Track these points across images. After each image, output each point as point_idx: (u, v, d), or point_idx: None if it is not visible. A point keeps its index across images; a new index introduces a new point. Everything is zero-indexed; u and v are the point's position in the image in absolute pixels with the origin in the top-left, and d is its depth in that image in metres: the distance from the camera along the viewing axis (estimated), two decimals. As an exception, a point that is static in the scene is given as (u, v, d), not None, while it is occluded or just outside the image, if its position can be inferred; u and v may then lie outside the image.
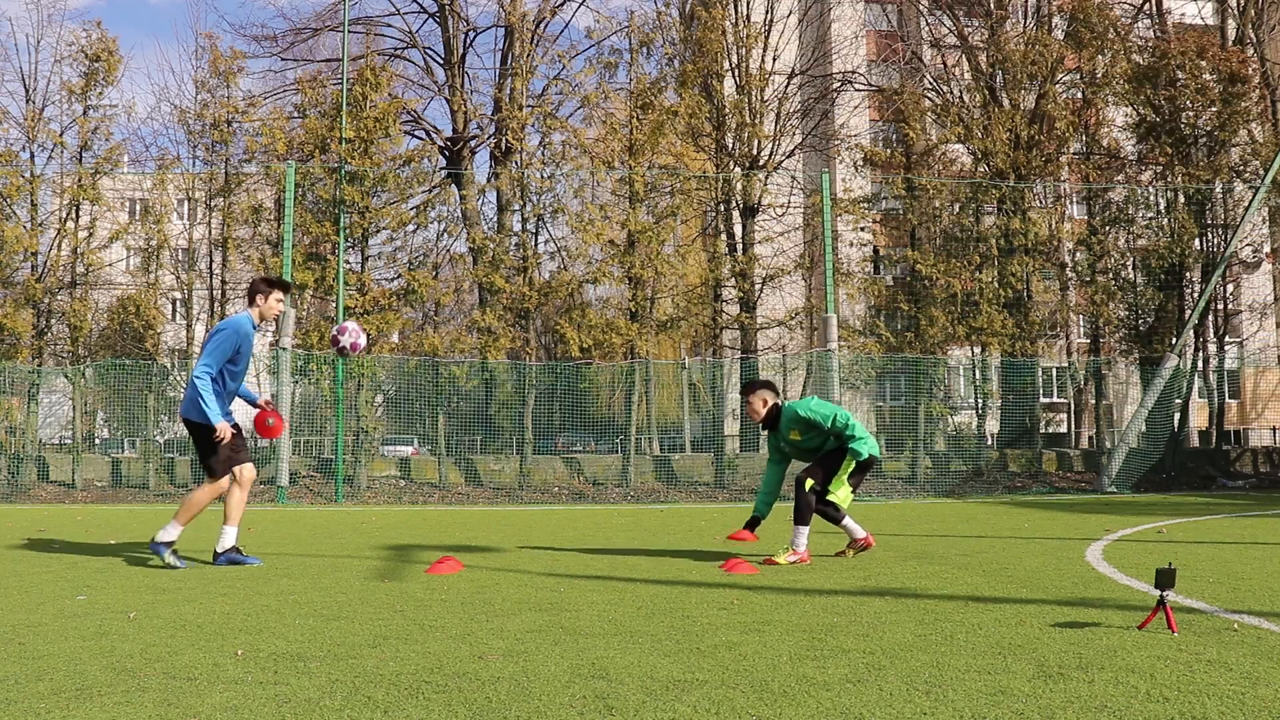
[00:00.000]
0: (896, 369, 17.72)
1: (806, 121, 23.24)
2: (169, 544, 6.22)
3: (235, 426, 6.35)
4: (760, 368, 19.67)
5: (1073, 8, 19.27)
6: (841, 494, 6.33)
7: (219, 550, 6.36)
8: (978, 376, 18.35)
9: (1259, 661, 3.31)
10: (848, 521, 6.52)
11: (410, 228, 18.20)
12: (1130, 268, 18.80)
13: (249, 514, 12.16)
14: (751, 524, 6.51)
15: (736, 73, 19.74)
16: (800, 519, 6.29)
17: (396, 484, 16.70)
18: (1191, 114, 18.32)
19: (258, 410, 6.62)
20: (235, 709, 2.84)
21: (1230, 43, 20.46)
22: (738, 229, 19.60)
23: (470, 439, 18.01)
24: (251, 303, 6.42)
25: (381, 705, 2.86)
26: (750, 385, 6.64)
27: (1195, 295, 17.69)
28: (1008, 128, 18.30)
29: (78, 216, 17.55)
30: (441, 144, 22.52)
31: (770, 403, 6.51)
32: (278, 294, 6.43)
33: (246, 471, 6.34)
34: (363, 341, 6.71)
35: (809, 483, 6.33)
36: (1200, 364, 18.84)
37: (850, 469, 6.33)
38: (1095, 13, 18.83)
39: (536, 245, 18.00)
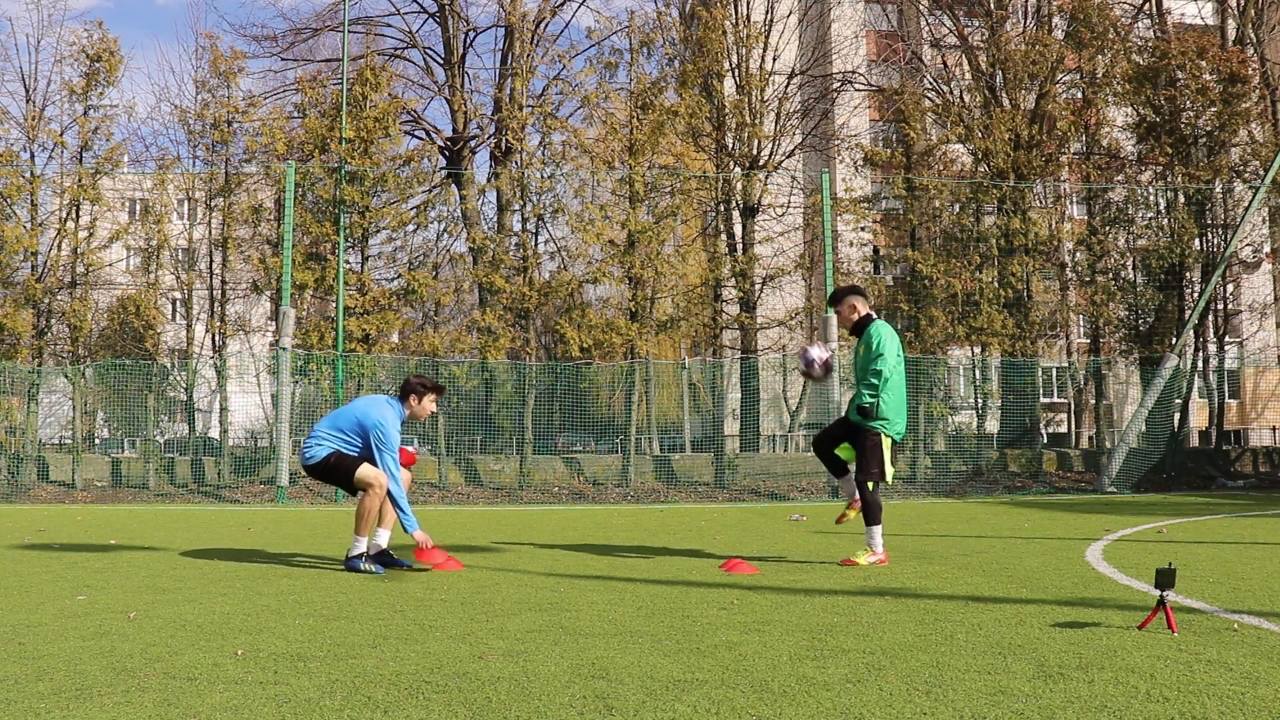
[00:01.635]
0: (896, 369, 17.71)
1: (806, 121, 23.25)
2: (361, 555, 6.15)
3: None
4: (760, 368, 19.67)
5: (1073, 8, 19.27)
6: (890, 474, 6.31)
7: (349, 554, 6.25)
8: (978, 376, 18.35)
9: (1259, 661, 3.31)
10: (849, 487, 6.43)
11: (410, 228, 18.21)
12: (1130, 268, 18.79)
13: (249, 514, 12.17)
14: (864, 413, 6.28)
15: (736, 73, 19.74)
16: (872, 519, 6.21)
17: (396, 484, 16.68)
18: (1191, 114, 18.32)
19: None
20: (235, 709, 2.84)
21: (1230, 43, 20.45)
22: (738, 229, 19.60)
23: (470, 439, 18.01)
24: (404, 399, 6.39)
25: (381, 705, 2.86)
26: (838, 294, 6.51)
27: (1195, 295, 17.69)
28: (1008, 128, 18.30)
29: (78, 216, 17.55)
30: (441, 144, 22.52)
31: (860, 310, 6.39)
32: (432, 396, 6.46)
33: (374, 477, 6.24)
34: (816, 359, 6.57)
35: (870, 484, 6.23)
36: (1200, 364, 18.84)
37: (889, 450, 6.25)
38: (1095, 13, 18.82)
39: (536, 245, 18.00)
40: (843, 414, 6.57)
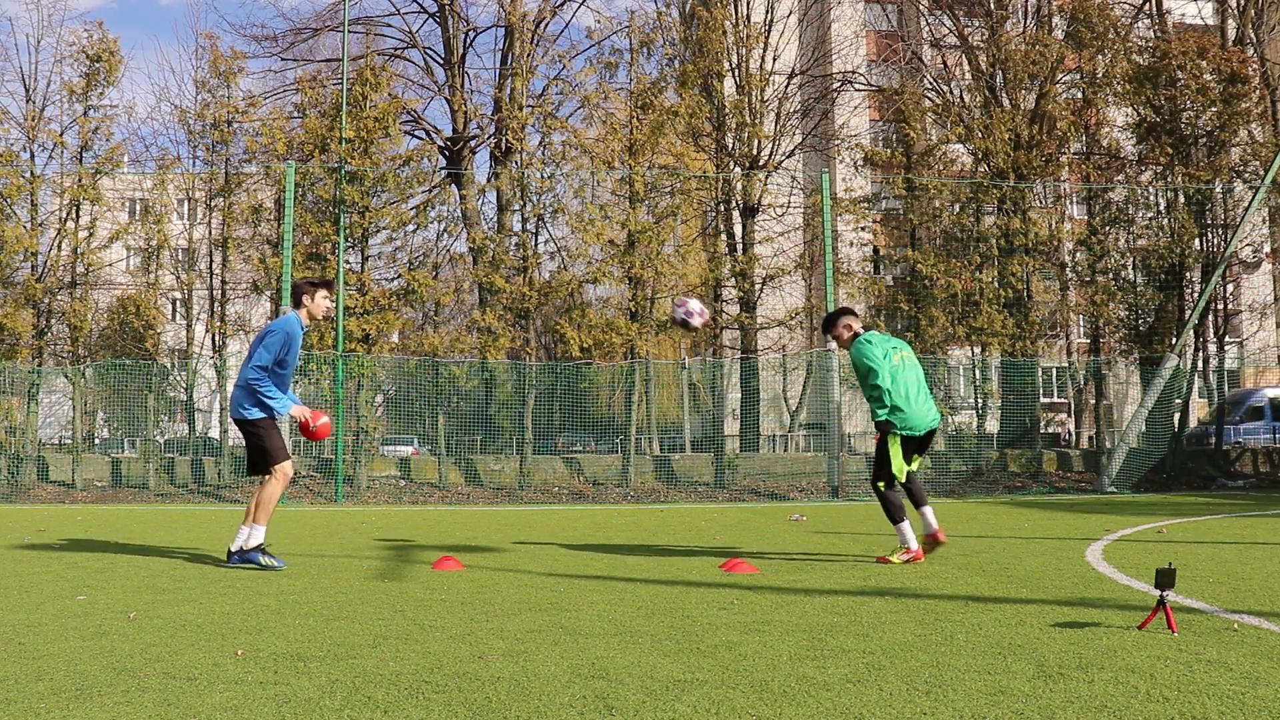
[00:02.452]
0: (896, 369, 17.71)
1: (806, 121, 23.25)
2: (259, 548, 6.23)
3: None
4: (760, 368, 19.67)
5: (1073, 8, 19.27)
6: (896, 468, 6.26)
7: (237, 549, 6.33)
8: (978, 376, 18.35)
9: (1259, 661, 3.31)
10: (906, 526, 6.31)
11: (410, 228, 18.21)
12: (1130, 268, 18.79)
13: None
14: (883, 428, 6.37)
15: (736, 73, 19.74)
16: (895, 518, 6.27)
17: (396, 484, 16.70)
18: (1191, 114, 18.32)
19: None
20: (235, 709, 2.84)
21: (1230, 43, 20.45)
22: (738, 229, 19.60)
23: (470, 439, 18.01)
24: (298, 304, 6.46)
25: (381, 705, 2.86)
26: (831, 319, 6.66)
27: (1195, 295, 17.69)
28: (1008, 128, 18.30)
29: (78, 216, 17.55)
30: (441, 144, 22.52)
31: (854, 329, 6.54)
32: (324, 292, 6.50)
33: (286, 468, 6.43)
34: (696, 310, 6.86)
35: (880, 485, 6.31)
36: (1200, 364, 18.84)
37: (898, 448, 6.25)
38: (1095, 13, 18.82)
39: (536, 245, 18.00)
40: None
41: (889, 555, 6.24)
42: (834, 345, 15.57)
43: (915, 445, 6.34)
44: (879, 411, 6.24)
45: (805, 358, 21.32)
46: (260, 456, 6.37)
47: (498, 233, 19.11)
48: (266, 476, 6.38)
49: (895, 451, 6.27)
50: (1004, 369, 17.88)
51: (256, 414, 6.34)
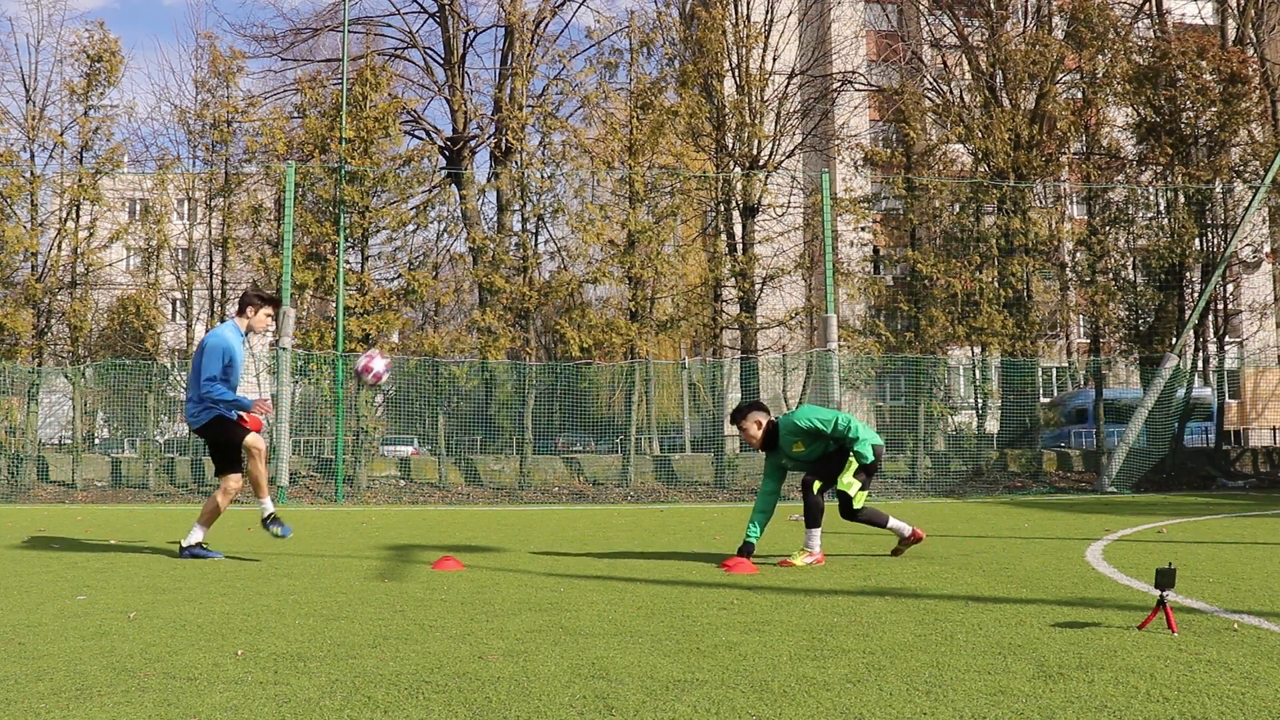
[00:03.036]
0: (896, 369, 17.73)
1: (806, 121, 23.24)
2: (270, 515, 6.49)
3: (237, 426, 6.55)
4: (760, 368, 19.67)
5: (1073, 8, 19.27)
6: (854, 492, 6.21)
7: (264, 517, 6.65)
8: (978, 376, 18.35)
9: (1259, 661, 3.31)
10: (894, 523, 6.41)
11: (410, 228, 18.21)
12: (1130, 268, 18.79)
13: (249, 514, 12.16)
14: (746, 551, 6.22)
15: (736, 73, 19.74)
16: (812, 521, 6.22)
17: (396, 484, 16.70)
18: (1191, 114, 18.32)
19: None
20: (235, 709, 2.84)
21: (1230, 43, 20.45)
22: (738, 229, 19.59)
23: (470, 439, 18.01)
24: (241, 313, 6.50)
25: (381, 705, 2.86)
26: (740, 411, 6.42)
27: (1195, 295, 17.69)
28: (1008, 128, 18.30)
29: (78, 216, 17.55)
30: (441, 144, 22.52)
31: (764, 423, 6.35)
32: (267, 310, 6.57)
33: (255, 444, 6.54)
34: (378, 366, 6.75)
35: (816, 484, 6.23)
36: (1200, 364, 18.84)
37: (854, 468, 6.24)
38: (1095, 13, 18.82)
39: (536, 245, 18.00)
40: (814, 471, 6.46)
41: (791, 557, 6.19)
42: (833, 345, 15.60)
43: (869, 472, 6.34)
44: (865, 449, 6.16)
45: (805, 358, 21.31)
46: (232, 453, 6.51)
47: (498, 233, 19.11)
48: (248, 459, 6.53)
49: (849, 471, 6.20)
50: (1004, 369, 17.88)
51: (206, 418, 6.46)
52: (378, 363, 6.73)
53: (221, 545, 7.76)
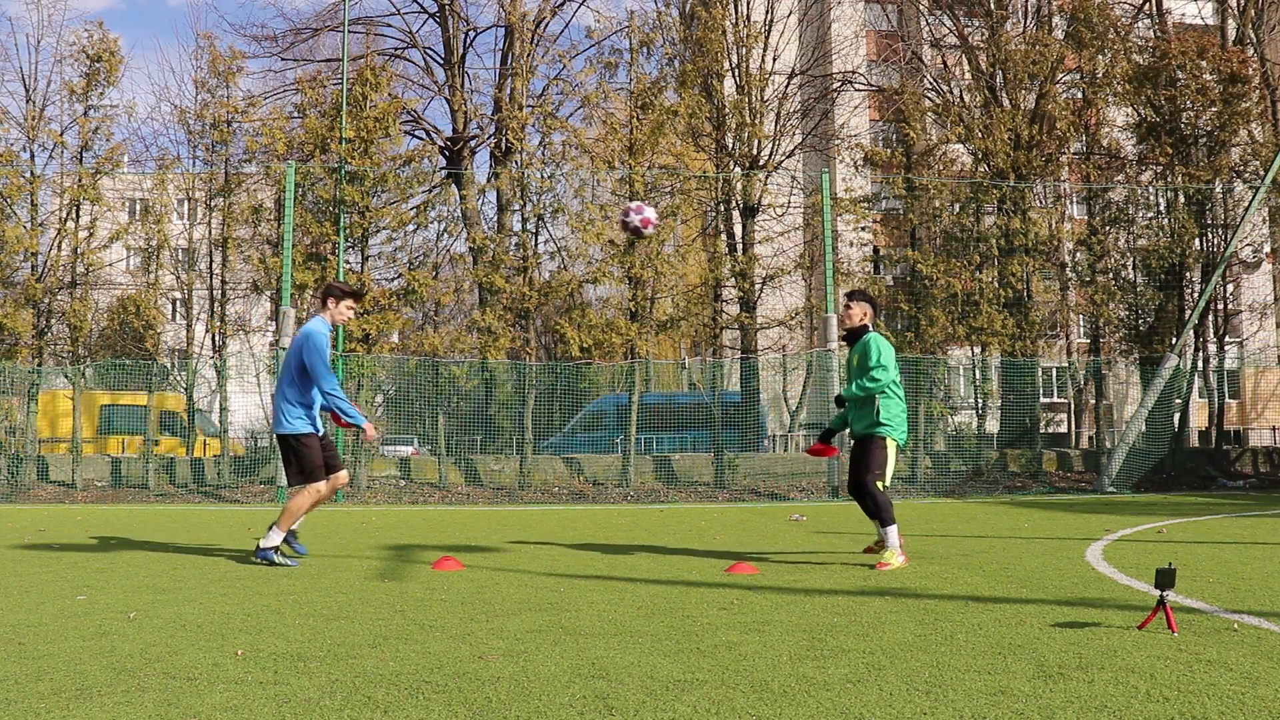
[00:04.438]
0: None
1: (806, 121, 23.24)
2: (274, 548, 6.31)
3: (322, 435, 6.55)
4: (760, 368, 19.66)
5: (1073, 8, 19.26)
6: (892, 471, 6.33)
7: (260, 545, 6.47)
8: (978, 376, 18.34)
9: (1259, 661, 3.31)
10: (894, 534, 6.26)
11: (410, 228, 18.20)
12: (1130, 268, 18.79)
13: (250, 514, 12.17)
14: (827, 436, 6.65)
15: (736, 73, 19.73)
16: (888, 519, 6.16)
17: (396, 484, 16.70)
18: (1191, 114, 18.32)
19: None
20: (235, 709, 2.84)
21: (1230, 43, 20.45)
22: (738, 229, 19.59)
23: (470, 439, 18.01)
24: (324, 306, 6.46)
25: (381, 705, 2.86)
26: (856, 292, 6.49)
27: (1195, 295, 17.69)
28: (1008, 128, 18.29)
29: (78, 216, 17.55)
30: (441, 144, 22.51)
31: (865, 318, 6.41)
32: (349, 302, 6.50)
33: (342, 477, 6.55)
34: (651, 215, 6.64)
35: (879, 484, 6.16)
36: (1200, 364, 18.84)
37: (895, 454, 6.26)
38: (1095, 13, 18.82)
39: (536, 245, 18.00)
40: (850, 438, 6.53)
41: (885, 559, 6.06)
42: (834, 345, 15.59)
43: (897, 455, 6.39)
44: (855, 389, 6.19)
45: (805, 358, 21.32)
46: (300, 468, 6.40)
47: (498, 233, 19.11)
48: (300, 489, 6.46)
49: (893, 456, 6.25)
50: (1004, 369, 17.88)
51: (301, 428, 6.36)
52: (649, 211, 6.62)
53: (221, 545, 7.75)
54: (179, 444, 18.62)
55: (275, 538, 6.34)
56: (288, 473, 6.54)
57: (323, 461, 6.43)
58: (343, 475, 6.57)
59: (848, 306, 6.47)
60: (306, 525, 10.18)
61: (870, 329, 6.41)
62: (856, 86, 24.76)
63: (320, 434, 6.51)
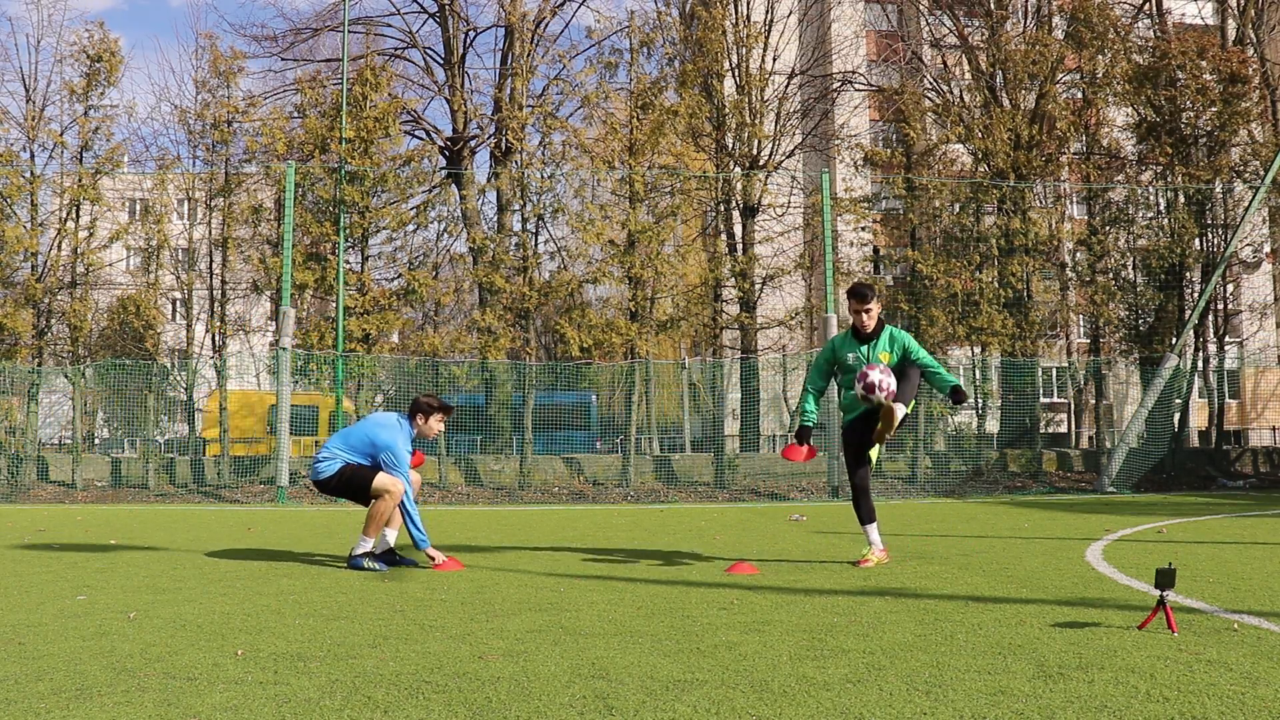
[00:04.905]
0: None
1: (806, 121, 23.24)
2: (367, 554, 6.26)
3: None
4: (760, 368, 19.66)
5: (1073, 8, 19.27)
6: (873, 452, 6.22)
7: (353, 552, 6.40)
8: (978, 376, 18.35)
9: (1259, 661, 3.31)
10: (875, 531, 6.27)
11: (410, 228, 18.22)
12: (1130, 268, 18.80)
13: (250, 514, 12.17)
14: (804, 436, 6.29)
15: (736, 73, 19.73)
16: (868, 518, 6.23)
17: (396, 484, 16.68)
18: (1191, 114, 18.32)
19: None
20: (235, 709, 2.84)
21: (1230, 43, 20.45)
22: (738, 229, 19.60)
23: (470, 439, 18.01)
24: (411, 419, 6.46)
25: (381, 705, 2.86)
26: (865, 289, 6.17)
27: (1195, 295, 17.69)
28: (1008, 128, 18.30)
29: (78, 216, 17.55)
30: (441, 144, 22.51)
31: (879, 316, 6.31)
32: (439, 416, 6.51)
33: (393, 486, 6.40)
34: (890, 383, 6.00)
35: (873, 455, 6.21)
36: (1200, 364, 18.84)
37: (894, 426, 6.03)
38: (1095, 13, 18.82)
39: (536, 245, 18.00)
40: (856, 416, 6.31)
41: (867, 557, 6.10)
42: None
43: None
44: (951, 379, 6.07)
45: (805, 358, 21.31)
46: (361, 492, 6.38)
47: (498, 233, 19.11)
48: (374, 500, 6.38)
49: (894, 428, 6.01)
50: (1004, 369, 17.88)
51: (335, 467, 6.37)
52: (877, 376, 5.94)
53: (221, 545, 7.76)
54: None
55: (366, 544, 6.29)
56: (359, 500, 6.49)
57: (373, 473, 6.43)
58: (415, 477, 6.60)
59: (869, 309, 6.14)
60: (308, 525, 10.18)
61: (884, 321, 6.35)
62: (856, 86, 24.76)
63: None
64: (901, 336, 6.21)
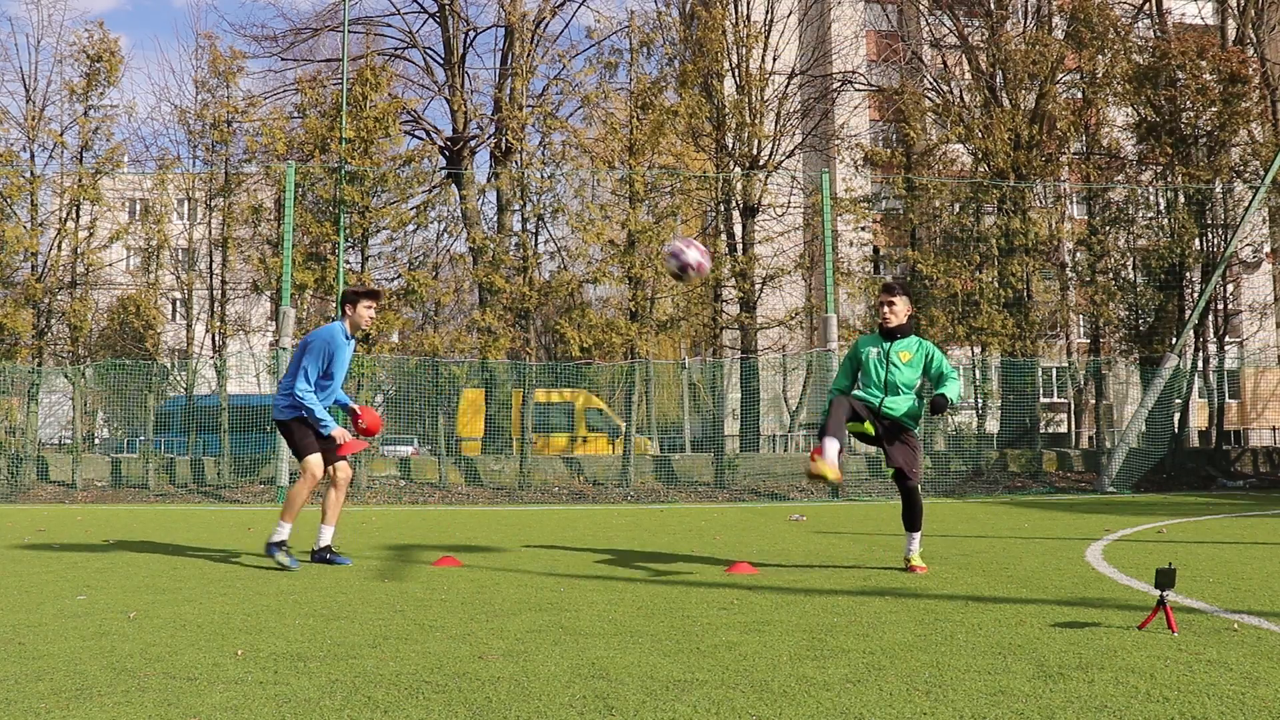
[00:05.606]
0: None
1: (806, 121, 23.24)
2: (281, 544, 6.22)
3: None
4: (760, 368, 19.66)
5: (1073, 8, 19.26)
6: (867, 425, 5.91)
7: (314, 548, 6.46)
8: (978, 376, 18.34)
9: (1259, 661, 3.31)
10: (833, 449, 5.73)
11: (410, 228, 18.21)
12: (1130, 268, 18.79)
13: (250, 514, 12.17)
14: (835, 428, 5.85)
15: (736, 73, 19.73)
16: (918, 525, 5.98)
17: (396, 484, 16.70)
18: (1191, 114, 18.32)
19: (355, 415, 6.63)
20: (235, 709, 2.84)
21: (1230, 43, 20.45)
22: (738, 229, 19.59)
23: (470, 439, 18.01)
24: (343, 313, 6.44)
25: (381, 705, 2.86)
26: (904, 285, 6.09)
27: (1195, 295, 17.69)
28: (1008, 128, 18.29)
29: (78, 216, 17.55)
30: (441, 144, 22.51)
31: (911, 314, 6.12)
32: (366, 302, 6.45)
33: (341, 472, 6.45)
34: (704, 261, 6.06)
35: (918, 487, 5.96)
36: (1200, 364, 18.84)
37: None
38: (1095, 13, 18.82)
39: (536, 245, 18.00)
40: (878, 407, 6.03)
41: (913, 562, 5.87)
42: (834, 345, 15.59)
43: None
44: (952, 389, 5.87)
45: (805, 358, 21.32)
46: (298, 457, 6.38)
47: (498, 233, 19.11)
48: (297, 478, 6.41)
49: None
50: (1004, 369, 17.87)
51: (288, 415, 6.34)
52: (691, 254, 6.02)
53: (221, 545, 7.76)
54: (606, 442, 18.89)
55: (283, 531, 6.24)
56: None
57: (319, 448, 6.35)
58: (343, 466, 6.49)
59: (891, 303, 6.00)
60: (308, 525, 10.17)
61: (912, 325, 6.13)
62: (856, 86, 24.76)
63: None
64: (930, 346, 6.03)
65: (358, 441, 6.57)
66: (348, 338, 6.39)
